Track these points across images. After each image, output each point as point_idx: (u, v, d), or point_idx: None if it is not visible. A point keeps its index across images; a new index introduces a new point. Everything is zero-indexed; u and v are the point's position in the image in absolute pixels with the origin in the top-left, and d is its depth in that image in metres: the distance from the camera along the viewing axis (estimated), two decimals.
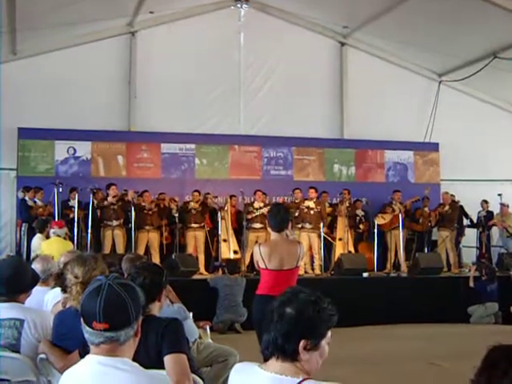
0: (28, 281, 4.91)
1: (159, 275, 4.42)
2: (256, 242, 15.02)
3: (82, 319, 2.67)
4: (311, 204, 15.39)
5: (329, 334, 2.64)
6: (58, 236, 10.79)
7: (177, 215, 15.16)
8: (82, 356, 3.75)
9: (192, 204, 15.34)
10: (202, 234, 15.32)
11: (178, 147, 17.41)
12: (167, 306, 6.26)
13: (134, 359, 2.76)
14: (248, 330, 11.41)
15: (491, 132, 19.40)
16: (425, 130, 19.02)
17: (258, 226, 15.38)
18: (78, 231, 13.99)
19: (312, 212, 15.29)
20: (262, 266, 6.54)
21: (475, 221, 17.23)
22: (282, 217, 6.65)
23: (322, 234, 15.30)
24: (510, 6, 14.36)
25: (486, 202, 17.30)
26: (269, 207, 15.22)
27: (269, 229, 6.85)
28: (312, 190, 15.63)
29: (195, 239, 15.23)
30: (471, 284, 14.17)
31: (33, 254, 10.39)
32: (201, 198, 15.58)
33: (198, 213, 15.32)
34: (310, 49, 18.76)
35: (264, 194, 16.00)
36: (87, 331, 2.66)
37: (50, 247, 9.96)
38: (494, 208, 17.32)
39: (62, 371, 4.31)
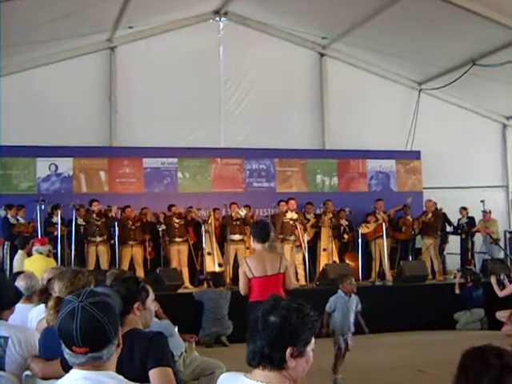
0: (11, 297, 4.87)
1: (126, 288, 4.27)
2: (235, 254, 15.10)
3: (61, 341, 2.64)
4: (294, 215, 15.36)
5: (313, 340, 2.63)
6: (40, 253, 10.71)
7: (161, 230, 15.15)
8: (62, 365, 3.72)
9: (174, 219, 15.33)
10: (185, 248, 15.31)
11: (160, 161, 17.36)
12: (155, 322, 6.23)
13: (120, 373, 2.74)
14: (234, 343, 11.39)
15: (472, 139, 19.55)
16: (406, 139, 19.11)
17: (237, 237, 15.37)
18: (62, 248, 13.92)
19: (295, 224, 15.24)
20: (250, 275, 7.35)
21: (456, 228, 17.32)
22: (266, 231, 7.68)
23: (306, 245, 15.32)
24: (488, 13, 14.48)
25: (464, 208, 17.35)
26: (245, 212, 15.34)
27: (253, 243, 7.62)
28: (292, 202, 15.61)
29: (179, 253, 15.20)
30: (457, 291, 14.22)
31: (15, 271, 10.35)
32: (181, 211, 15.58)
33: (181, 226, 15.32)
34: (289, 60, 18.81)
35: (248, 206, 16.00)
36: (68, 353, 2.63)
37: (33, 265, 9.92)
38: (476, 214, 17.39)
39: (41, 376, 4.32)
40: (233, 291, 12.82)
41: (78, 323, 2.55)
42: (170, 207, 15.56)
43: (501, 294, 13.37)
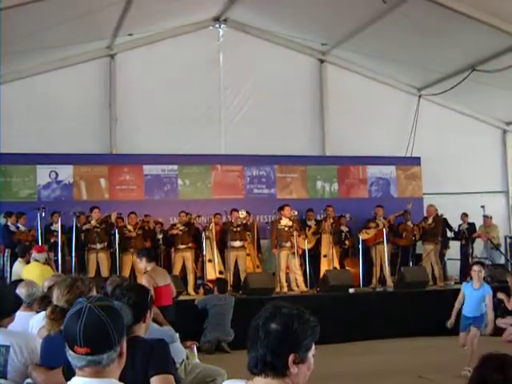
0: (11, 305, 4.87)
1: (143, 296, 4.35)
2: (236, 261, 15.05)
3: (65, 343, 2.65)
4: (289, 222, 15.26)
5: (313, 346, 2.62)
6: (37, 261, 10.74)
7: (160, 237, 15.13)
8: (64, 374, 3.72)
9: (178, 225, 15.30)
10: (189, 255, 15.21)
11: (161, 168, 17.37)
12: (157, 328, 6.23)
13: (122, 380, 2.73)
14: (236, 350, 11.38)
15: (471, 144, 19.53)
16: (406, 145, 19.11)
17: (237, 244, 15.24)
18: (62, 255, 13.92)
19: (290, 230, 15.16)
20: (155, 285, 9.49)
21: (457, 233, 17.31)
22: (153, 254, 11.56)
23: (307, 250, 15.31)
24: (487, 19, 14.49)
25: (465, 214, 17.38)
26: (245, 214, 15.28)
27: (146, 263, 9.98)
28: (287, 208, 15.50)
29: (183, 260, 15.13)
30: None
31: (13, 279, 10.41)
32: (186, 218, 15.54)
33: (185, 233, 15.24)
34: (289, 67, 18.81)
35: (248, 212, 15.93)
36: (70, 355, 2.63)
37: (30, 272, 9.97)
38: (476, 220, 17.39)
39: None
40: (235, 298, 12.82)
41: (83, 322, 2.56)
42: (180, 213, 15.56)
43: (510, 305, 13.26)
